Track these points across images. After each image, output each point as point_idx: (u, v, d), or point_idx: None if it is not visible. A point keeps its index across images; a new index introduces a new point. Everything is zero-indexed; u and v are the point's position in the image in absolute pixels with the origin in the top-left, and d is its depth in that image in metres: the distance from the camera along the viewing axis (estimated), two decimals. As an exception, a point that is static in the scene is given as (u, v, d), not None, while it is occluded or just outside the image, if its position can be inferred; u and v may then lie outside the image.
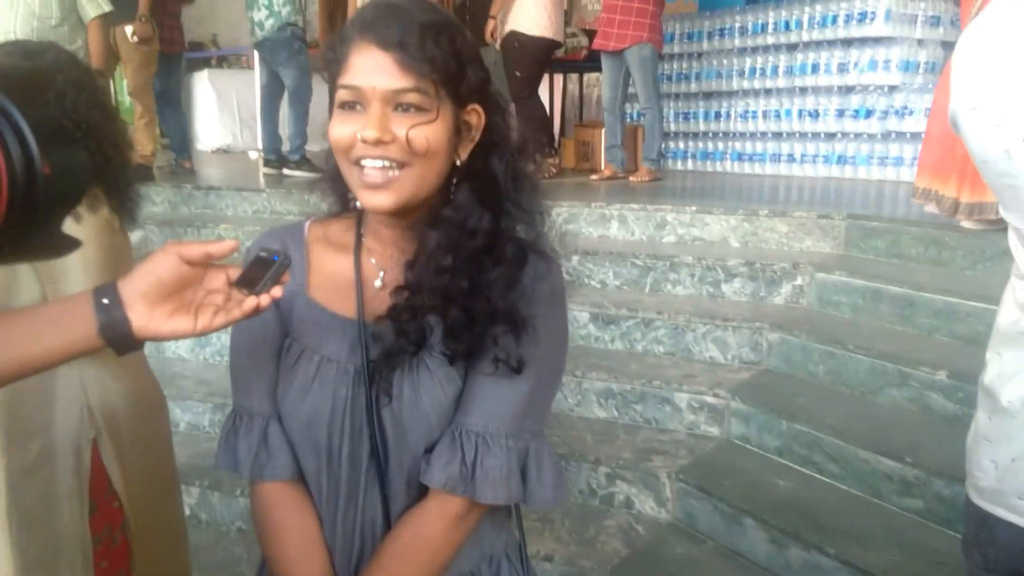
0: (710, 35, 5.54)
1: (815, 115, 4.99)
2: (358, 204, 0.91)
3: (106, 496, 1.45)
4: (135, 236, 1.73)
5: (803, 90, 5.05)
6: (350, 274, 0.94)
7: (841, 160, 4.90)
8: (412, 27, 0.82)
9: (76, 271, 1.35)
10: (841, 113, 4.86)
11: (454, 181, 0.90)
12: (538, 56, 4.78)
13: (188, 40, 7.62)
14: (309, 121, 4.78)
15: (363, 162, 0.84)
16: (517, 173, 0.92)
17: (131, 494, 1.46)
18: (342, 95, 0.84)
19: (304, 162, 4.83)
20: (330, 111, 0.87)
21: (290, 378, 0.94)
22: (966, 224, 2.78)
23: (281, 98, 4.88)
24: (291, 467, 0.95)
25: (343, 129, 0.84)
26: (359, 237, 0.95)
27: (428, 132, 0.83)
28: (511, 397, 0.90)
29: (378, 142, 0.82)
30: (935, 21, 4.62)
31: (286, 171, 4.85)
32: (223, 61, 7.86)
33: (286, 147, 4.90)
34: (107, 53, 4.11)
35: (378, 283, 0.94)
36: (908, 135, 4.54)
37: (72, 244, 0.64)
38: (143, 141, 4.49)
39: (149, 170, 4.50)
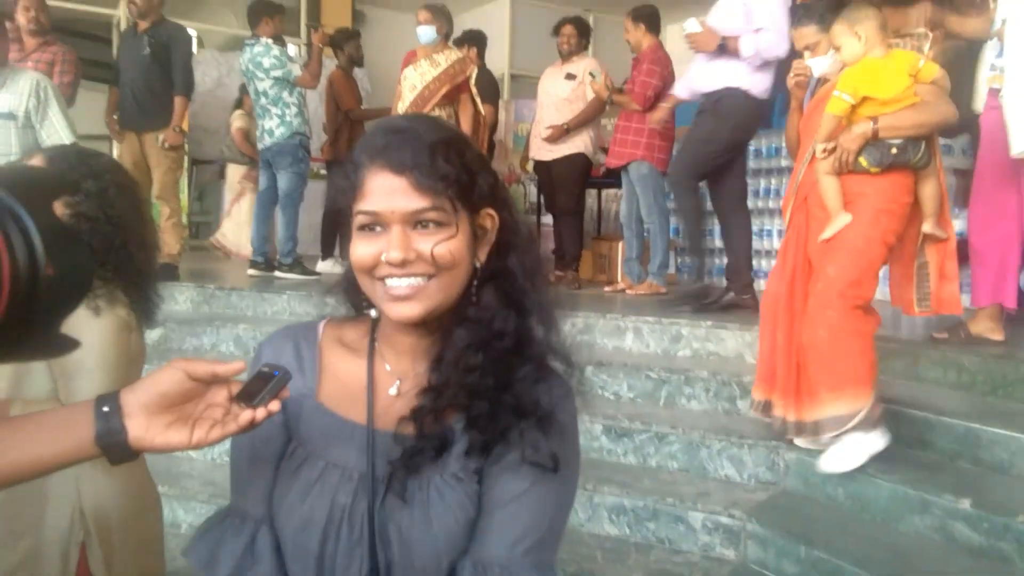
0: (726, 156, 5.70)
1: (830, 235, 5.05)
2: (373, 313, 0.93)
3: None
4: (155, 334, 1.75)
5: (818, 211, 5.13)
6: (363, 379, 0.93)
7: (857, 280, 4.91)
8: (422, 148, 0.84)
9: (89, 369, 1.36)
10: (856, 234, 4.92)
11: (475, 283, 0.91)
12: (587, 175, 5.26)
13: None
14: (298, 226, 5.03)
15: (388, 281, 0.86)
16: (531, 268, 0.93)
17: None
18: (361, 220, 0.86)
19: (296, 265, 4.96)
20: (347, 234, 0.89)
21: (291, 482, 0.92)
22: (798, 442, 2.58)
23: (276, 204, 5.04)
24: None
25: (366, 250, 0.86)
26: (372, 343, 0.95)
27: (451, 246, 0.85)
28: (532, 522, 0.88)
29: (403, 263, 0.84)
30: (947, 149, 4.74)
31: (278, 274, 4.96)
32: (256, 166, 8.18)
33: (275, 251, 5.07)
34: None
35: (393, 391, 0.93)
36: (924, 258, 4.58)
37: (71, 345, 0.65)
38: (170, 241, 4.62)
39: (175, 269, 4.61)
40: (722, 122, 3.78)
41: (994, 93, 2.85)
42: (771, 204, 5.41)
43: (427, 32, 4.57)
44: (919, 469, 2.40)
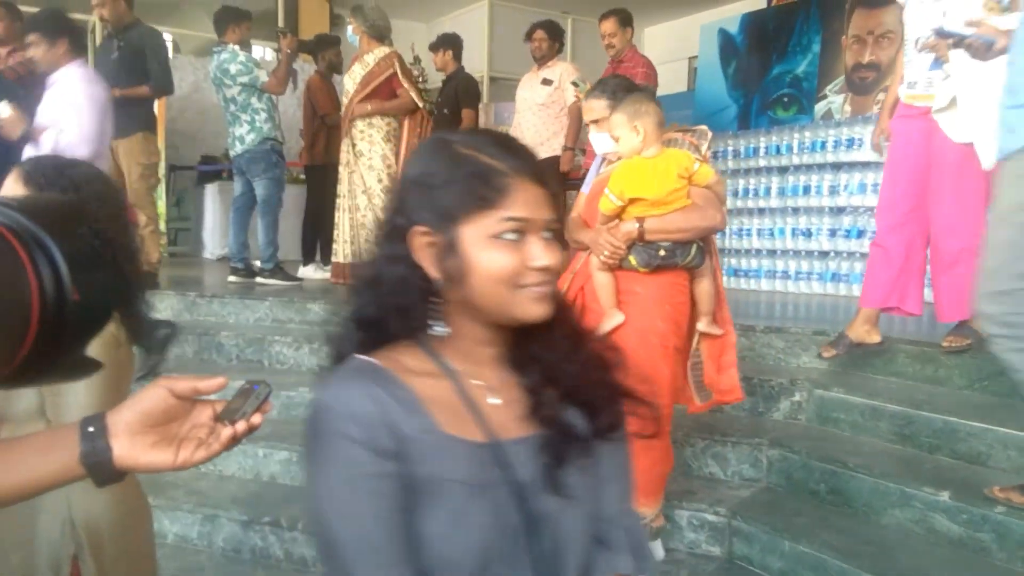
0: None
1: (808, 234, 5.12)
2: (440, 330, 0.91)
3: None
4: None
5: (795, 210, 5.20)
6: (454, 399, 0.91)
7: (835, 278, 4.99)
8: (542, 166, 0.92)
9: (76, 386, 1.34)
10: (833, 232, 5.00)
11: None
12: (564, 177, 5.24)
13: (202, 154, 7.93)
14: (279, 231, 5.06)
15: (533, 287, 0.88)
16: None
17: None
18: (507, 226, 0.87)
19: (278, 270, 4.96)
20: (452, 242, 0.88)
21: (432, 521, 0.85)
22: None
23: (253, 209, 5.05)
24: None
25: (508, 259, 0.87)
26: (443, 362, 0.92)
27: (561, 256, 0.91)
28: (628, 482, 1.01)
29: (551, 268, 0.89)
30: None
31: (260, 279, 4.97)
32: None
33: (256, 257, 5.08)
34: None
35: (497, 401, 0.93)
36: (899, 254, 4.65)
37: (94, 366, 0.66)
38: (148, 249, 4.59)
39: (154, 277, 4.58)
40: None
41: (909, 107, 2.82)
42: (749, 204, 5.48)
43: (351, 36, 4.61)
44: (899, 463, 2.44)
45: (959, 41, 2.20)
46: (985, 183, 2.50)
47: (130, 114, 4.50)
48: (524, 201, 0.87)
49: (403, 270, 0.89)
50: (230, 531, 2.66)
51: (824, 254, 5.05)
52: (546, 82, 5.11)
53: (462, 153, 0.90)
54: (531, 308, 0.89)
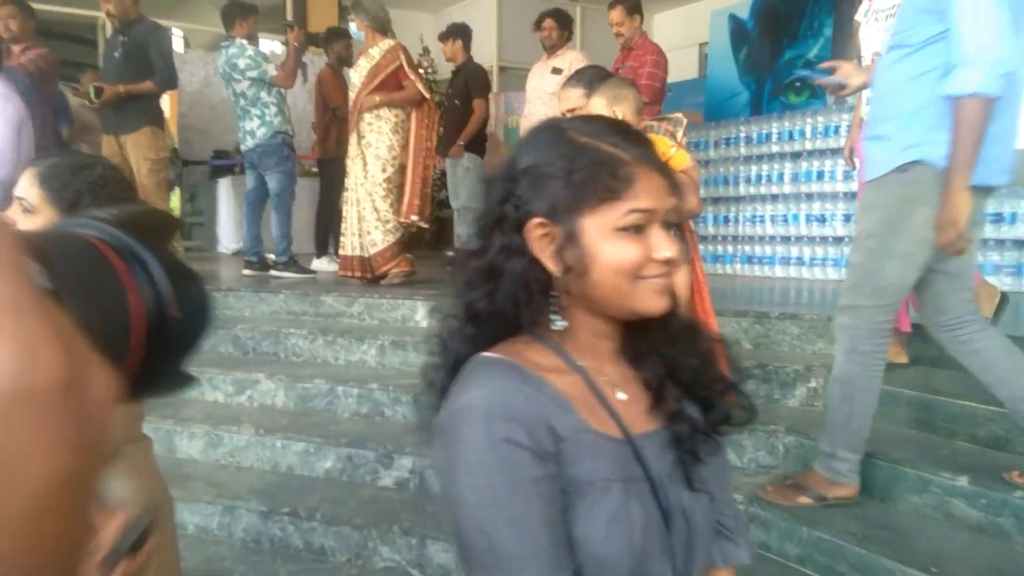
0: (716, 144, 5.73)
1: (822, 219, 5.09)
2: (560, 324, 0.88)
3: None
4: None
5: (809, 196, 5.17)
6: (587, 395, 0.87)
7: (850, 263, 4.95)
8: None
9: None
10: (848, 218, 4.96)
11: None
12: None
13: (214, 149, 7.97)
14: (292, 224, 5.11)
15: (655, 279, 0.86)
16: None
17: None
18: (633, 218, 0.84)
19: (292, 263, 4.99)
20: (572, 232, 0.84)
21: (590, 520, 0.83)
22: None
23: (265, 203, 5.09)
24: None
25: (632, 251, 0.84)
26: (571, 358, 0.89)
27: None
28: (727, 460, 1.04)
29: (672, 259, 0.85)
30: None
31: (274, 272, 5.00)
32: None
33: (270, 250, 5.12)
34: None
35: (623, 396, 0.90)
36: (915, 239, 4.61)
37: (191, 381, 0.64)
38: (163, 244, 4.62)
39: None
40: None
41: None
42: (762, 190, 5.45)
43: (355, 32, 4.60)
44: (916, 448, 2.43)
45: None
46: None
47: (136, 109, 4.52)
48: (648, 191, 0.84)
49: (522, 262, 0.85)
50: (249, 522, 2.69)
51: (838, 239, 5.01)
52: (556, 71, 5.09)
53: (582, 142, 0.85)
54: (653, 301, 0.86)
